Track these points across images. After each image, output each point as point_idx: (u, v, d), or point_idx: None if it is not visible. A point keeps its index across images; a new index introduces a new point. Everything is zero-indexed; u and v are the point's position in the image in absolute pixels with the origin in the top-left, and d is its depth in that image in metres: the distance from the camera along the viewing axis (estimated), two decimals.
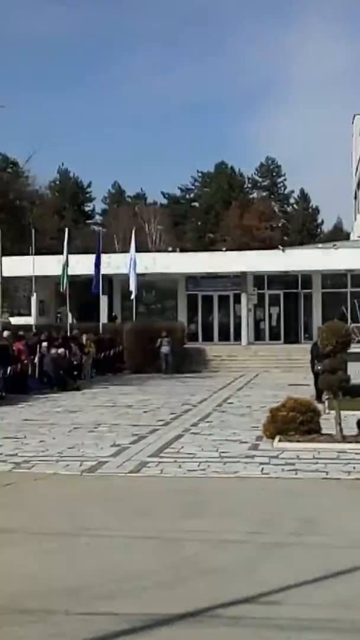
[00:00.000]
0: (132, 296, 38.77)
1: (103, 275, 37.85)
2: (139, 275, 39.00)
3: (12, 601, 6.62)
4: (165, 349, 35.79)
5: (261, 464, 12.91)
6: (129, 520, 9.51)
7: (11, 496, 11.07)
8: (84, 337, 34.21)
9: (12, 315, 49.78)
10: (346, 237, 66.98)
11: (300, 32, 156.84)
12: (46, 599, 6.63)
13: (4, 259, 40.29)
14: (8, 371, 24.42)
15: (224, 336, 45.03)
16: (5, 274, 41.80)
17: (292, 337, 43.86)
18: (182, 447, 14.80)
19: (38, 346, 28.26)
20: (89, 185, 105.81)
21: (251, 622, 6.10)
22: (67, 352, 29.98)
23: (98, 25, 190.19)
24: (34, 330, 34.98)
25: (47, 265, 40.21)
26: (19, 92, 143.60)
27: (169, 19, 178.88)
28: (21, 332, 31.65)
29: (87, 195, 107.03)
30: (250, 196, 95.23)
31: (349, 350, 16.63)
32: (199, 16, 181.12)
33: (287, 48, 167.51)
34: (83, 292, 39.69)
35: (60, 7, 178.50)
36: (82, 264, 38.09)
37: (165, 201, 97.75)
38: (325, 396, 16.81)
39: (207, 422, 18.51)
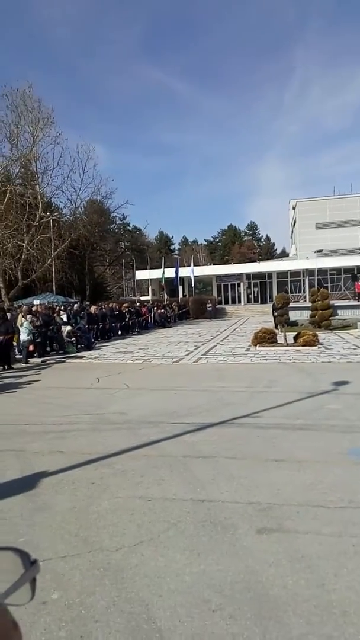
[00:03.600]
0: (192, 285, 38.66)
1: (180, 277, 37.78)
2: (195, 276, 38.86)
3: (142, 418, 6.73)
4: (209, 307, 35.71)
5: (250, 357, 12.86)
6: (192, 382, 9.57)
7: (142, 374, 11.22)
8: (172, 303, 34.55)
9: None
10: (287, 255, 65.53)
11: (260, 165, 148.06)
12: (157, 417, 6.72)
13: None
14: (140, 320, 24.70)
15: (233, 301, 44.61)
16: None
17: (264, 301, 43.35)
18: (216, 351, 14.77)
19: (154, 308, 28.41)
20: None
21: (248, 425, 6.13)
22: (165, 311, 30.13)
23: None
24: (143, 300, 35.18)
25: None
26: None
27: None
28: (139, 303, 32.05)
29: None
30: (244, 239, 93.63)
31: (289, 306, 16.56)
32: None
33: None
34: (171, 286, 39.73)
35: None
36: (171, 272, 37.92)
37: (205, 243, 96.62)
38: (279, 326, 16.58)
39: (227, 339, 18.46)
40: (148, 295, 45.34)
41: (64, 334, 15.63)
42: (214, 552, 3.07)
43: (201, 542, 3.21)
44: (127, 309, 23.82)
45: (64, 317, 16.93)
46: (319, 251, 40.79)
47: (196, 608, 2.51)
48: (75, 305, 21.78)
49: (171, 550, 3.12)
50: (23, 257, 27.88)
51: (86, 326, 17.72)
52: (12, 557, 0.45)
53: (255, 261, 52.05)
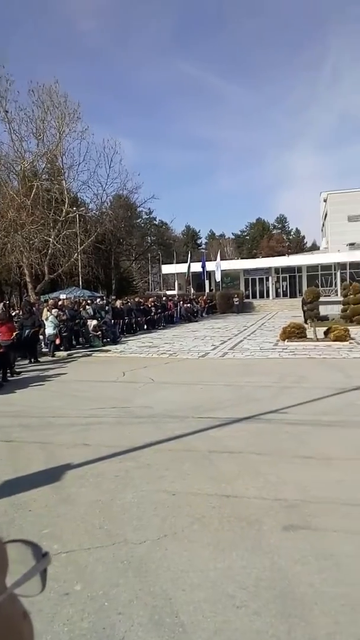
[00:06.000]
0: (218, 280, 38.50)
1: (207, 271, 37.79)
2: (222, 270, 38.69)
3: (167, 412, 6.74)
4: (235, 301, 35.47)
5: (278, 352, 12.72)
6: (218, 377, 9.50)
7: (168, 368, 11.22)
8: (199, 297, 34.44)
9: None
10: (317, 248, 64.47)
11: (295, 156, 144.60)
12: (182, 411, 6.72)
13: None
14: (166, 314, 24.69)
15: (261, 296, 44.25)
16: None
17: (293, 295, 42.82)
18: (243, 345, 14.66)
19: (180, 302, 28.47)
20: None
21: (275, 421, 6.08)
22: (192, 305, 30.04)
23: None
24: (177, 295, 35.14)
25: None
26: None
27: None
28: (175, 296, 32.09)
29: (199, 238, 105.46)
30: (273, 232, 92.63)
31: (319, 300, 16.32)
32: None
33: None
34: (197, 280, 39.73)
35: None
36: (198, 266, 37.87)
37: (233, 236, 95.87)
38: (308, 321, 16.36)
39: (254, 334, 18.29)
40: (174, 289, 45.35)
41: (90, 328, 15.79)
42: (239, 547, 3.05)
43: (226, 537, 3.19)
44: (153, 304, 23.90)
45: (90, 311, 17.09)
46: (352, 244, 40.01)
47: (220, 603, 2.49)
48: (99, 300, 21.97)
49: (195, 545, 3.11)
50: (50, 251, 28.25)
51: (112, 320, 17.87)
52: (22, 548, 0.46)
53: (284, 255, 51.48)
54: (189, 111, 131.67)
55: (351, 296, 20.27)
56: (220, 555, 2.97)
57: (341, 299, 22.73)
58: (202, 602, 2.52)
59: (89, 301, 20.08)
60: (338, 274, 41.46)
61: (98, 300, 21.94)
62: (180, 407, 7.01)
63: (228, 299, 36.12)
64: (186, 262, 38.41)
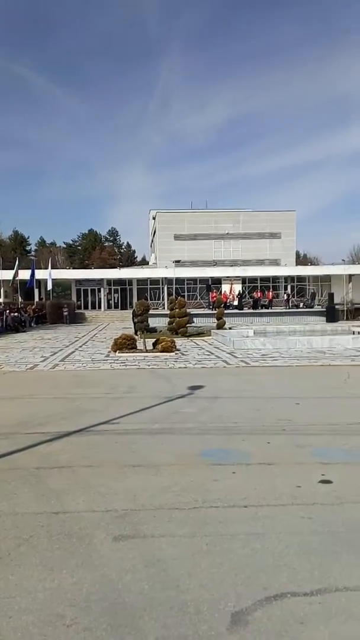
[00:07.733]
0: (49, 288, 37.37)
1: (36, 279, 36.32)
2: (53, 279, 37.71)
3: None
4: (65, 311, 34.73)
5: (110, 363, 12.84)
6: (49, 390, 9.22)
7: None
8: (27, 306, 32.82)
9: None
10: (147, 263, 67.02)
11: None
12: (8, 428, 6.36)
13: None
14: None
15: (93, 307, 44.22)
16: None
17: (124, 307, 43.69)
18: (74, 357, 14.44)
19: (6, 311, 26.72)
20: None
21: (106, 432, 6.12)
22: (19, 314, 28.61)
23: None
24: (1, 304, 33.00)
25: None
26: None
27: None
28: None
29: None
30: (105, 244, 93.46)
31: (149, 313, 16.96)
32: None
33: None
34: (26, 288, 38.05)
35: None
36: (26, 274, 36.21)
37: (65, 245, 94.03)
38: (138, 333, 16.84)
39: (86, 345, 18.15)
40: None
41: None
42: (69, 564, 2.98)
43: (55, 555, 3.10)
44: None
45: None
46: (177, 261, 42.54)
47: (50, 625, 2.41)
48: None
49: (23, 568, 2.96)
50: None
51: None
52: None
53: (116, 267, 52.38)
54: (17, 112, 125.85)
55: (176, 310, 21.57)
56: (49, 574, 2.87)
57: (168, 312, 24.01)
58: (31, 626, 2.40)
59: None
60: (165, 288, 43.64)
61: None
62: (6, 423, 6.60)
63: (59, 309, 35.24)
64: (13, 268, 36.43)
